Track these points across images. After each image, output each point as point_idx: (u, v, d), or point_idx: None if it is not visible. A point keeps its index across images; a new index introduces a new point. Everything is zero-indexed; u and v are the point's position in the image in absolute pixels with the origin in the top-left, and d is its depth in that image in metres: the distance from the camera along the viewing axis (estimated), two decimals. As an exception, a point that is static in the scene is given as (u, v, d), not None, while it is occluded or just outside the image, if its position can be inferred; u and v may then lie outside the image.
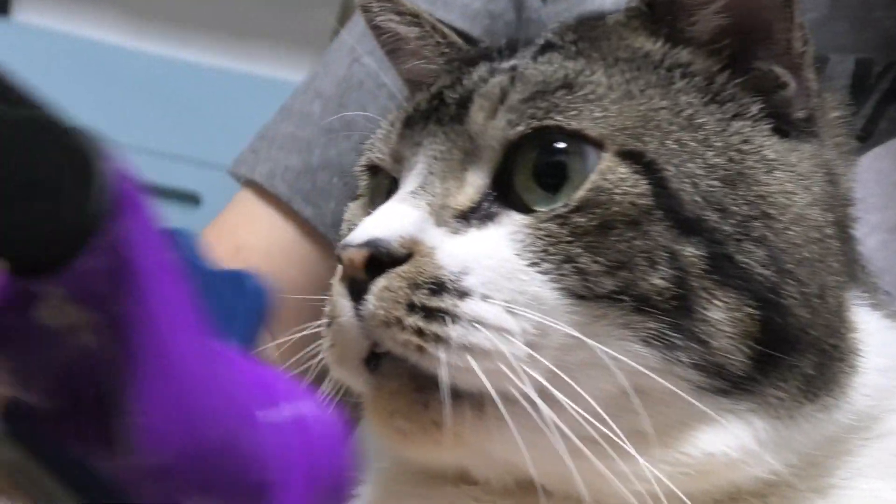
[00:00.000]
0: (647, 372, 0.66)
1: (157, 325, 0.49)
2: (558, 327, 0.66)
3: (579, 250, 0.67)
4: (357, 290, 0.69)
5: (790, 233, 0.68)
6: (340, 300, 0.71)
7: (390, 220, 0.71)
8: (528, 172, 0.70)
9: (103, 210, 0.44)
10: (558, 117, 0.69)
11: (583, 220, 0.67)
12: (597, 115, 0.69)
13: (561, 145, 0.69)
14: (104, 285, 0.46)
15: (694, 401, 0.66)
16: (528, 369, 0.65)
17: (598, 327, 0.67)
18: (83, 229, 0.44)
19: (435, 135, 0.73)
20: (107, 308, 0.47)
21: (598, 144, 0.68)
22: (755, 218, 0.68)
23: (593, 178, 0.68)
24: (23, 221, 0.43)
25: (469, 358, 0.66)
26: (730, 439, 0.67)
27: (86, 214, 0.44)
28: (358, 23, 1.38)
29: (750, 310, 0.67)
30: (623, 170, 0.68)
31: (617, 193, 0.67)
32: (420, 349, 0.67)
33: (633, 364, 0.66)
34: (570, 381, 0.65)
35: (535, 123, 0.69)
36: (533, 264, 0.67)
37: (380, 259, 0.69)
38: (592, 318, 0.67)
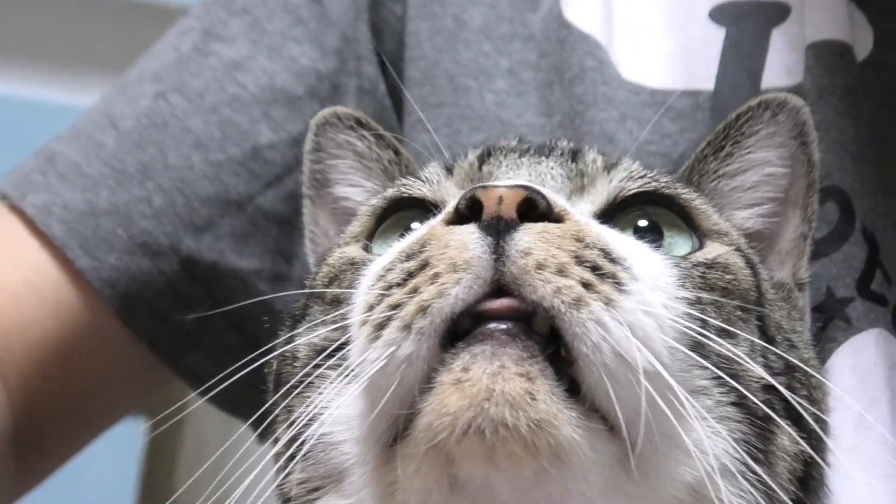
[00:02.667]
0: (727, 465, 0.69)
1: None
2: (681, 349, 0.69)
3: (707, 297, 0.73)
4: (497, 230, 0.67)
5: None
6: (467, 235, 0.68)
7: (532, 181, 0.75)
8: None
9: None
10: None
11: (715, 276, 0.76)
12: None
13: None
14: None
15: None
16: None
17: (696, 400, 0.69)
18: None
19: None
20: None
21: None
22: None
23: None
24: None
25: (629, 334, 0.65)
26: None
27: None
28: (166, 50, 1.24)
29: (800, 448, 0.73)
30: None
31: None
32: (578, 303, 0.65)
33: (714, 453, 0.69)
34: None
35: None
36: (680, 286, 0.73)
37: (535, 205, 0.69)
38: (694, 388, 0.70)
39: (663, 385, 0.67)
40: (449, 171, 0.88)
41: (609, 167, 0.84)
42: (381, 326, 0.69)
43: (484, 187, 0.70)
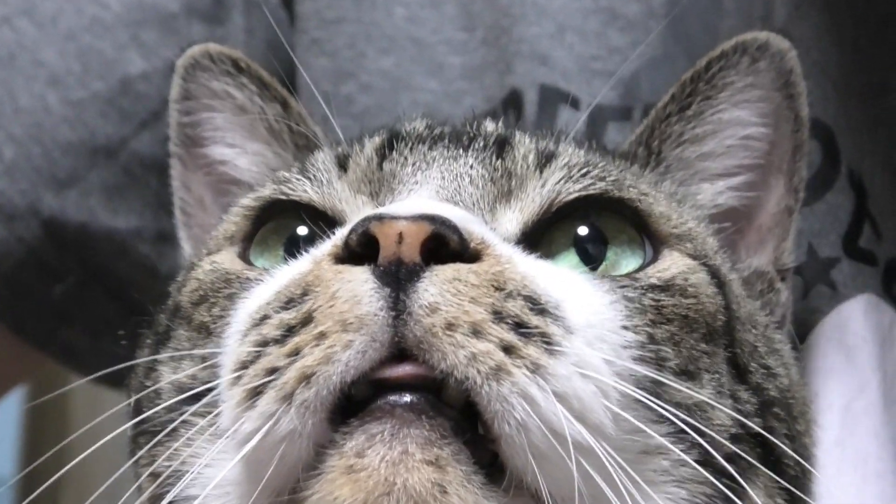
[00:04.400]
0: None
1: None
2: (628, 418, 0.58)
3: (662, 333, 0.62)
4: (397, 278, 0.56)
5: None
6: (359, 285, 0.57)
7: (443, 208, 0.62)
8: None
9: None
10: None
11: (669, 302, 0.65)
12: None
13: None
14: None
15: None
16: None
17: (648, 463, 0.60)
18: None
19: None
20: None
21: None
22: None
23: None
24: None
25: (561, 410, 0.55)
26: None
27: None
28: None
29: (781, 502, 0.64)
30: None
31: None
32: (499, 373, 0.55)
33: None
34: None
35: None
36: (624, 328, 0.61)
37: (445, 241, 0.58)
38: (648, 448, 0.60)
39: (604, 457, 0.56)
40: (342, 166, 0.72)
41: (542, 164, 0.70)
42: (255, 392, 0.58)
43: (380, 218, 0.58)
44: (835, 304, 0.83)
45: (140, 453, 0.68)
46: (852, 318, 0.82)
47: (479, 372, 0.55)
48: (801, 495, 0.66)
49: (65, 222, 1.01)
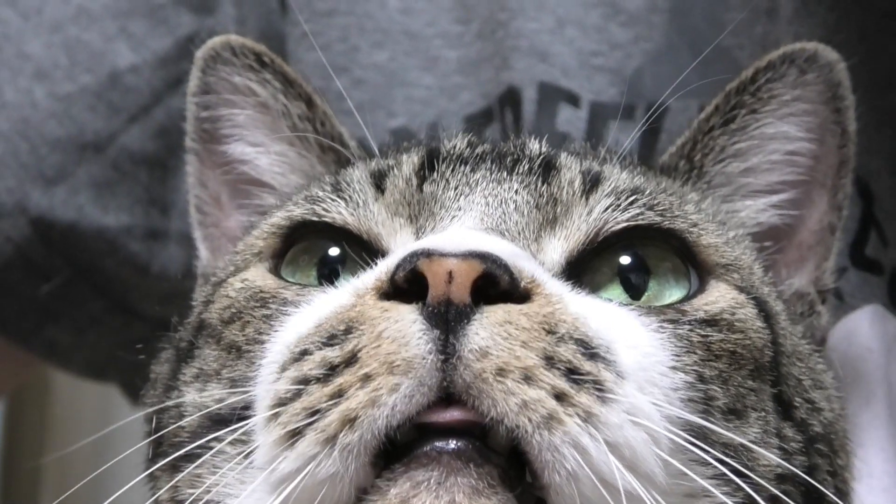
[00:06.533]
0: None
1: None
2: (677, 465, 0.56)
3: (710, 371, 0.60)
4: (446, 319, 0.54)
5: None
6: (407, 326, 0.54)
7: (491, 243, 0.59)
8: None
9: None
10: None
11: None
12: None
13: None
14: None
15: None
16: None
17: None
18: None
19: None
20: None
21: None
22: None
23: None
24: None
25: (613, 460, 0.53)
26: None
27: None
28: None
29: None
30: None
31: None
32: (550, 422, 0.53)
33: None
34: None
35: None
36: (674, 368, 0.59)
37: (496, 281, 0.55)
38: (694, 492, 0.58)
39: None
40: (378, 187, 0.69)
41: (588, 190, 0.67)
42: (295, 433, 0.56)
43: (428, 255, 0.55)
44: (841, 315, 0.81)
45: (153, 468, 0.66)
46: (858, 329, 0.80)
47: (530, 420, 0.53)
48: None
49: (53, 220, 0.99)
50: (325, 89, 0.91)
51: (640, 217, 0.65)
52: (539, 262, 0.63)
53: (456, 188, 0.66)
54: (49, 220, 0.99)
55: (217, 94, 0.82)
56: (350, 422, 0.55)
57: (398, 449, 0.55)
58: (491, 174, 0.67)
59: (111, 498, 0.64)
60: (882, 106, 0.84)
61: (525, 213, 0.65)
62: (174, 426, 0.66)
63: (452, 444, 0.54)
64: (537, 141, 0.72)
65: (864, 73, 0.81)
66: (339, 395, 0.55)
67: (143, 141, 1.01)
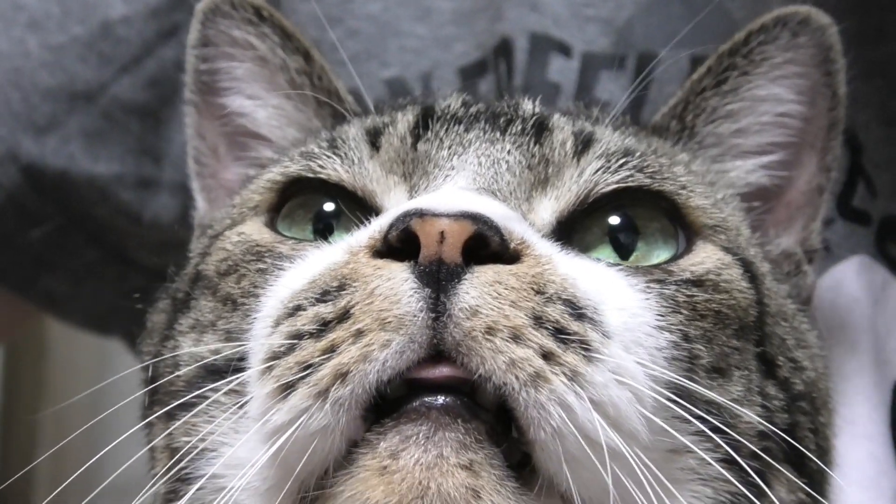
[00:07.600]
0: None
1: None
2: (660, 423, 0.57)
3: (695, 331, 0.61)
4: (437, 278, 0.55)
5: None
6: (399, 284, 0.55)
7: (483, 204, 0.59)
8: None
9: None
10: None
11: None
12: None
13: None
14: None
15: None
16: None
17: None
18: None
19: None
20: None
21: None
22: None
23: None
24: None
25: (597, 418, 0.54)
26: None
27: None
28: None
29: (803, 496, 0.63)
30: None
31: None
32: (537, 380, 0.54)
33: None
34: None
35: None
36: (660, 328, 0.59)
37: (487, 242, 0.56)
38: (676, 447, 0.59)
39: (635, 463, 0.56)
40: (373, 144, 0.70)
41: (580, 152, 0.68)
42: (288, 385, 0.57)
43: (421, 215, 0.57)
44: (828, 266, 0.82)
45: (150, 417, 0.67)
46: (845, 280, 0.81)
47: (517, 378, 0.54)
48: (818, 496, 0.66)
49: (44, 168, 0.99)
50: (320, 40, 0.91)
51: (630, 179, 0.66)
52: (530, 222, 0.64)
53: (450, 147, 0.67)
54: (40, 168, 0.99)
55: (216, 47, 0.82)
56: (342, 376, 0.56)
57: (388, 404, 0.56)
58: (484, 134, 0.68)
59: (107, 447, 0.65)
60: (871, 57, 0.84)
61: (517, 173, 0.66)
62: (171, 376, 0.67)
63: (441, 399, 0.55)
64: (531, 101, 0.73)
65: (854, 23, 0.81)
66: (331, 350, 0.56)
67: (135, 91, 1.01)
